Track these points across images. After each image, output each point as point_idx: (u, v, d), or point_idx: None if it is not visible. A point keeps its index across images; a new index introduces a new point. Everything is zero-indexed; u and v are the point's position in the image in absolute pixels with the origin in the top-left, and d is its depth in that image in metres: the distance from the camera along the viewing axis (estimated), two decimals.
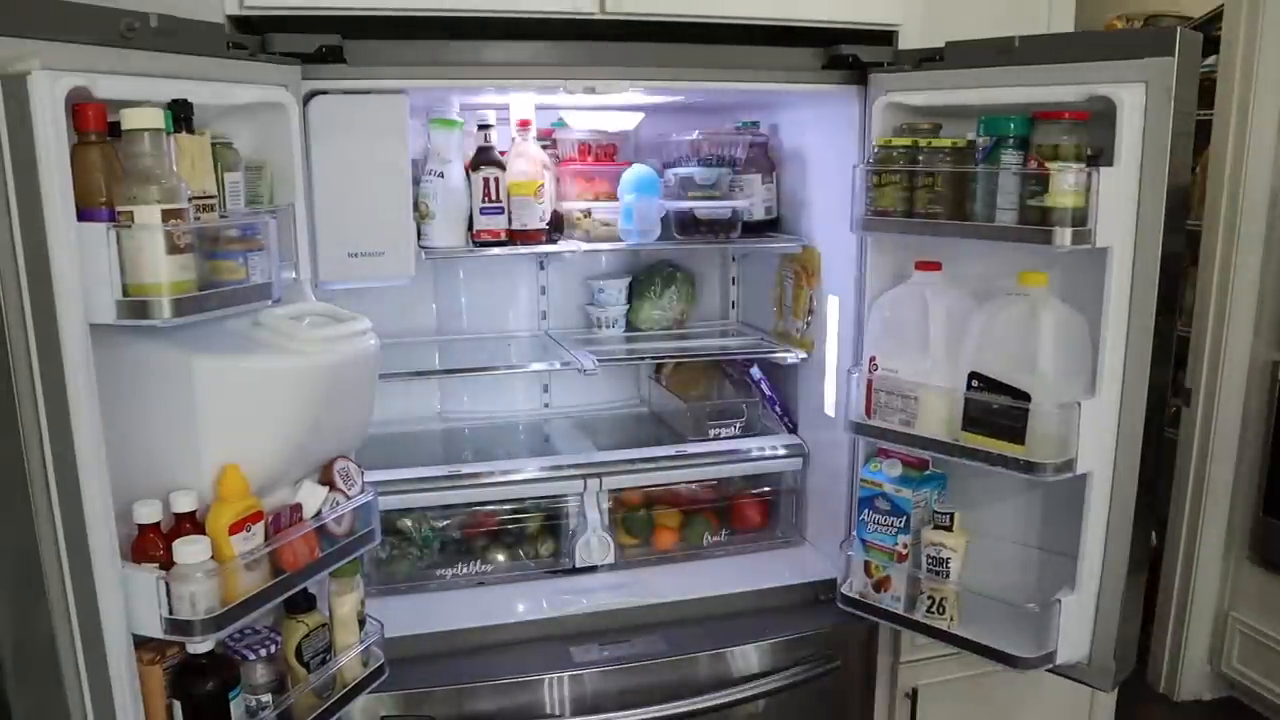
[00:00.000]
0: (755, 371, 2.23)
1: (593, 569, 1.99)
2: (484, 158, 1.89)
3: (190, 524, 1.23)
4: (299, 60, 1.51)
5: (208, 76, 1.30)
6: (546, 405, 2.38)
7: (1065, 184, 1.43)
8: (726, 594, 1.92)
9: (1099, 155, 1.49)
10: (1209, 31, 2.77)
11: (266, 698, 1.37)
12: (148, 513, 1.22)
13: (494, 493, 1.94)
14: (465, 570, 1.94)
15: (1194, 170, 2.92)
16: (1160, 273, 1.46)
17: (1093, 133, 1.48)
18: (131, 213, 1.10)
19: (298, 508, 1.36)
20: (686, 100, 2.03)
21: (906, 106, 1.69)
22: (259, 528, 1.28)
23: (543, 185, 1.89)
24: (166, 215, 1.11)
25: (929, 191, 1.60)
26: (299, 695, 1.41)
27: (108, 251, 1.09)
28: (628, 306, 2.29)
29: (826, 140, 1.96)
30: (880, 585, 1.79)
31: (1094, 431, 1.52)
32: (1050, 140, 1.48)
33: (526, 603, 1.86)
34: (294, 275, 1.51)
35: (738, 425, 2.16)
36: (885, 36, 1.77)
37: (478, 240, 1.90)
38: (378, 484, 1.54)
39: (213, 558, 1.21)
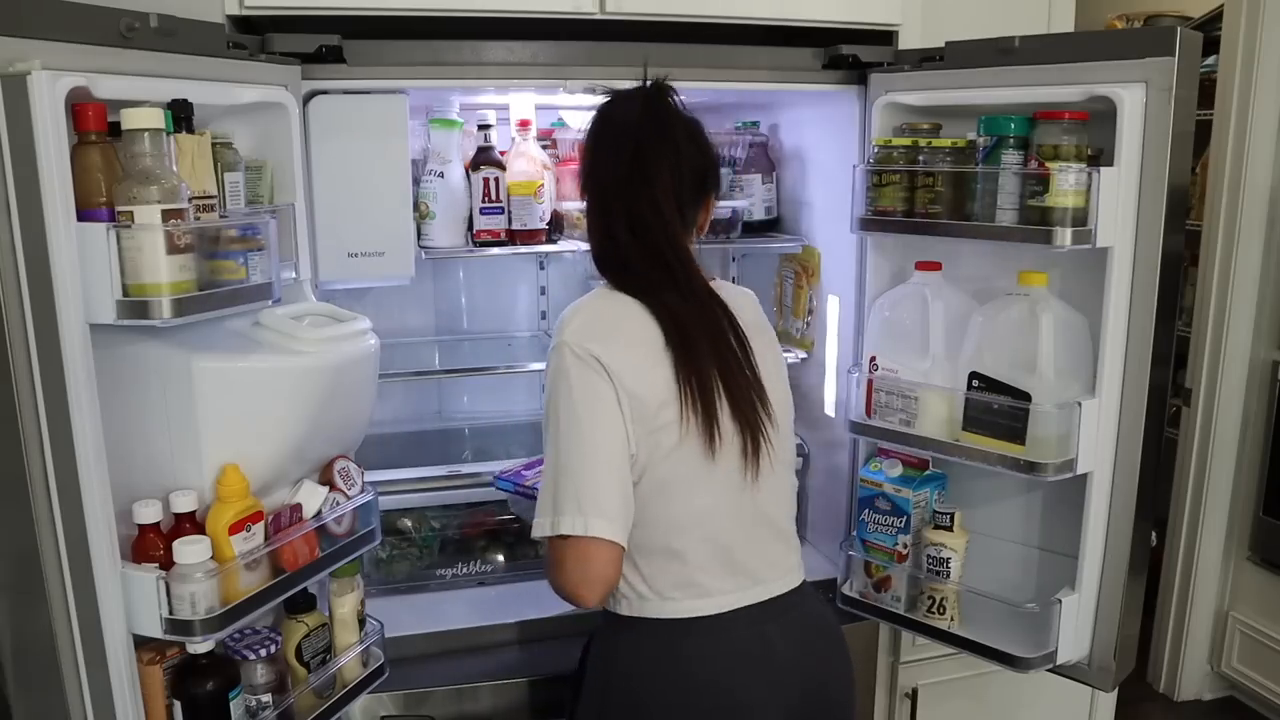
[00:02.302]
0: None
1: None
2: (484, 158, 1.89)
3: (190, 524, 1.23)
4: (299, 60, 1.51)
5: (208, 76, 1.30)
6: None
7: (1065, 184, 1.43)
8: None
9: (1099, 155, 1.50)
10: (1209, 31, 2.77)
11: (267, 698, 1.37)
12: (148, 513, 1.22)
13: (494, 493, 1.94)
14: (465, 570, 1.94)
15: (1194, 170, 2.92)
16: (1160, 273, 1.46)
17: (1093, 133, 1.48)
18: (131, 213, 1.10)
19: (298, 508, 1.36)
20: (686, 100, 2.02)
21: (906, 106, 1.69)
22: (259, 528, 1.28)
23: (543, 185, 1.89)
24: (166, 215, 1.10)
25: (929, 192, 1.60)
26: (299, 695, 1.41)
27: (108, 251, 1.08)
28: None
29: (826, 140, 1.96)
30: (880, 585, 1.79)
31: (1094, 431, 1.52)
32: (1050, 140, 1.48)
33: (526, 602, 1.86)
34: (294, 275, 1.51)
35: None
36: (885, 36, 1.77)
37: (478, 240, 1.90)
38: (378, 484, 1.54)
39: (213, 558, 1.21)
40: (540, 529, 1.25)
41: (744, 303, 1.41)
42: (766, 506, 1.34)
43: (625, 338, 1.26)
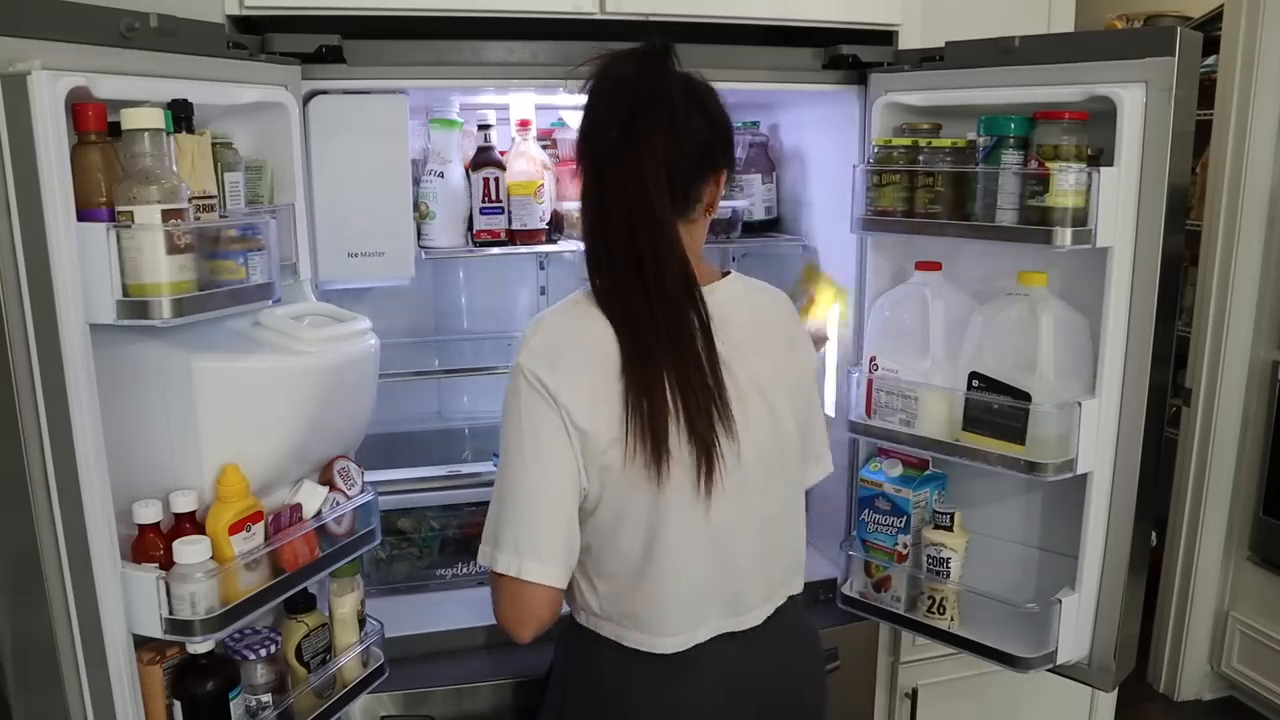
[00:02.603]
0: None
1: None
2: (484, 158, 1.89)
3: (190, 524, 1.23)
4: (299, 60, 1.51)
5: (208, 76, 1.30)
6: None
7: (1065, 184, 1.43)
8: None
9: (1099, 155, 1.50)
10: (1209, 31, 2.77)
11: (267, 698, 1.37)
12: (148, 513, 1.22)
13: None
14: (465, 570, 1.94)
15: (1194, 170, 2.92)
16: (1160, 273, 1.46)
17: (1093, 133, 1.48)
18: (131, 213, 1.10)
19: (298, 508, 1.36)
20: None
21: (906, 106, 1.69)
22: (259, 528, 1.28)
23: (543, 185, 1.89)
24: (166, 215, 1.10)
25: (929, 191, 1.60)
26: (299, 695, 1.41)
27: (108, 251, 1.08)
28: None
29: (826, 140, 1.96)
30: (880, 585, 1.79)
31: (1094, 431, 1.52)
32: (1050, 140, 1.48)
33: None
34: (294, 275, 1.51)
35: None
36: (885, 36, 1.77)
37: (478, 240, 1.90)
38: (378, 484, 1.54)
39: (213, 558, 1.21)
40: (481, 556, 1.23)
41: (747, 303, 1.31)
42: (726, 537, 1.25)
43: (580, 365, 1.18)
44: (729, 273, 1.33)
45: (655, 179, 1.17)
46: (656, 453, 1.17)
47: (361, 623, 1.54)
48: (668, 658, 1.26)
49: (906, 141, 1.64)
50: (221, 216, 1.29)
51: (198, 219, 1.20)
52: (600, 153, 1.20)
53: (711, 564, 1.26)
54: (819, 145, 2.04)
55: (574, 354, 1.19)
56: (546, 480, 1.18)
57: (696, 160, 1.22)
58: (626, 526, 1.22)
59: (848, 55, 1.72)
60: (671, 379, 1.17)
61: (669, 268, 1.18)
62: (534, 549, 1.18)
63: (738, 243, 2.12)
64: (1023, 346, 1.56)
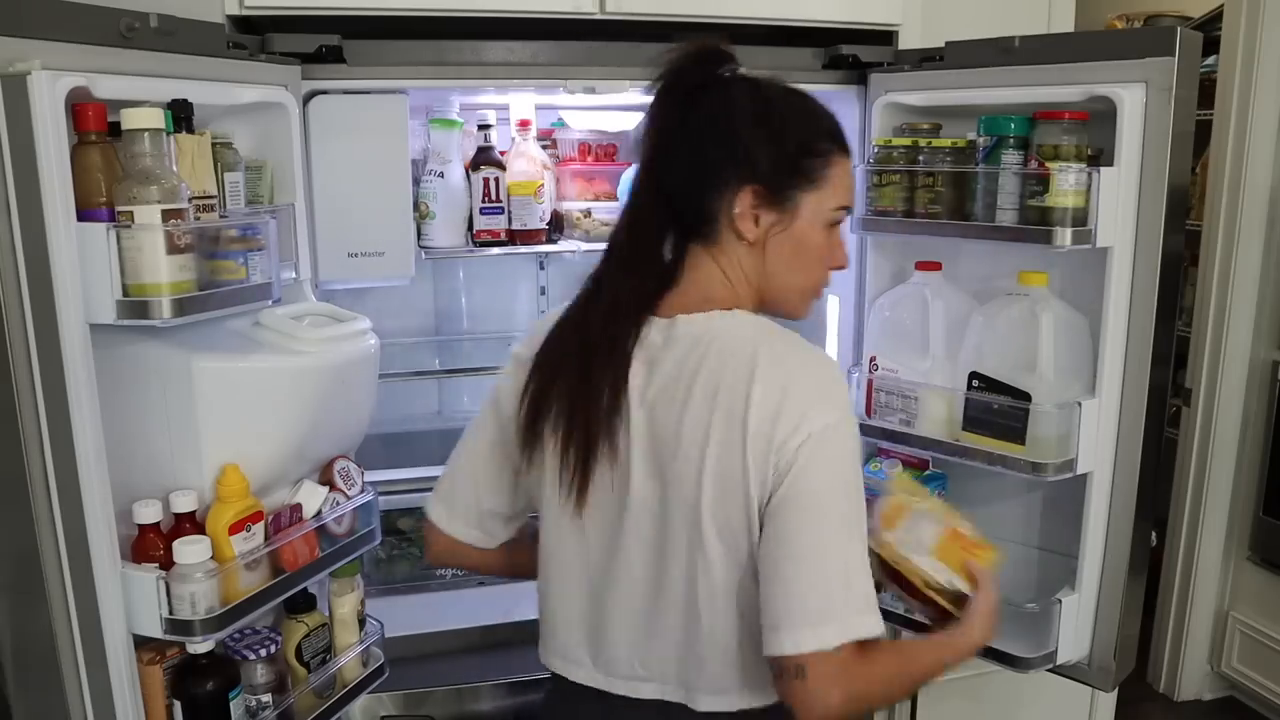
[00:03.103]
0: None
1: None
2: (484, 158, 1.89)
3: (190, 524, 1.23)
4: (299, 60, 1.51)
5: (208, 76, 1.30)
6: None
7: (1065, 184, 1.43)
8: None
9: (1099, 155, 1.50)
10: (1209, 31, 2.77)
11: (266, 698, 1.37)
12: (148, 513, 1.22)
13: None
14: (465, 570, 1.93)
15: (1194, 170, 2.92)
16: (1160, 273, 1.46)
17: (1093, 133, 1.48)
18: (131, 213, 1.10)
19: (298, 508, 1.36)
20: None
21: (906, 106, 1.69)
22: (259, 528, 1.28)
23: (543, 185, 1.89)
24: (166, 215, 1.11)
25: (929, 191, 1.60)
26: (299, 695, 1.41)
27: (108, 251, 1.09)
28: None
29: None
30: (880, 585, 1.79)
31: (1094, 431, 1.52)
32: (1050, 140, 1.48)
33: (527, 602, 1.86)
34: (294, 275, 1.51)
35: None
36: (885, 36, 1.77)
37: (478, 240, 1.90)
38: (378, 484, 1.54)
39: (213, 558, 1.21)
40: None
41: (697, 343, 1.06)
42: (602, 564, 1.12)
43: (530, 350, 1.16)
44: (734, 309, 1.11)
45: (646, 185, 1.14)
46: (530, 431, 1.12)
47: (361, 623, 1.54)
48: (572, 695, 1.20)
49: (906, 141, 1.64)
50: (221, 216, 1.29)
51: (198, 219, 1.20)
52: (642, 155, 1.16)
53: (583, 586, 1.15)
54: None
55: (534, 340, 1.16)
56: (476, 440, 1.24)
57: (698, 172, 1.10)
58: (542, 536, 1.19)
59: (848, 55, 1.72)
60: (565, 374, 1.10)
61: (619, 289, 1.11)
62: (442, 491, 1.25)
63: None
64: (1023, 346, 1.55)
